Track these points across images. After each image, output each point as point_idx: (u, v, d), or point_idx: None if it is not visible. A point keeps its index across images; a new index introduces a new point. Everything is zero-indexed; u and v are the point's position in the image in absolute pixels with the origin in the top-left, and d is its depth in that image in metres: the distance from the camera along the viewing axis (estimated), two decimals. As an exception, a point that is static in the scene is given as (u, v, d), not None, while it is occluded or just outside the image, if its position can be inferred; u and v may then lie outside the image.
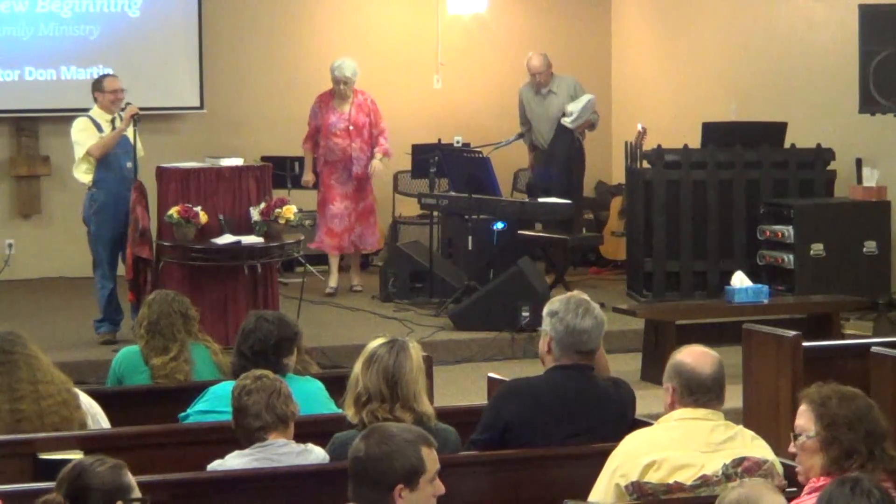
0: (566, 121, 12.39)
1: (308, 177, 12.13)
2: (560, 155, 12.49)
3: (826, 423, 4.46)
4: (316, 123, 11.96)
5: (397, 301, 11.62)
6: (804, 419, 4.53)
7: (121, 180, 10.06)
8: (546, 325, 5.43)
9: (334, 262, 12.20)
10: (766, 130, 12.09)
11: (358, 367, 5.16)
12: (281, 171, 12.08)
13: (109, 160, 10.08)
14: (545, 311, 5.46)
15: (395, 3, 14.37)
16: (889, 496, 3.80)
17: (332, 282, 12.13)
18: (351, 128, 11.83)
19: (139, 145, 10.28)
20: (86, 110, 10.38)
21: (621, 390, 5.53)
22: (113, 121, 10.20)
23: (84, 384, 7.20)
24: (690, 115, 12.87)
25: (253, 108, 13.81)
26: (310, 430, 5.34)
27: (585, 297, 5.50)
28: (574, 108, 12.40)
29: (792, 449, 4.57)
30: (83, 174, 10.20)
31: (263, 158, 11.80)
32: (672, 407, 4.95)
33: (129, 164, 10.06)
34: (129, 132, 10.05)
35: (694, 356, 4.97)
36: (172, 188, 9.84)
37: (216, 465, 5.14)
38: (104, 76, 10.65)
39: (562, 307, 5.41)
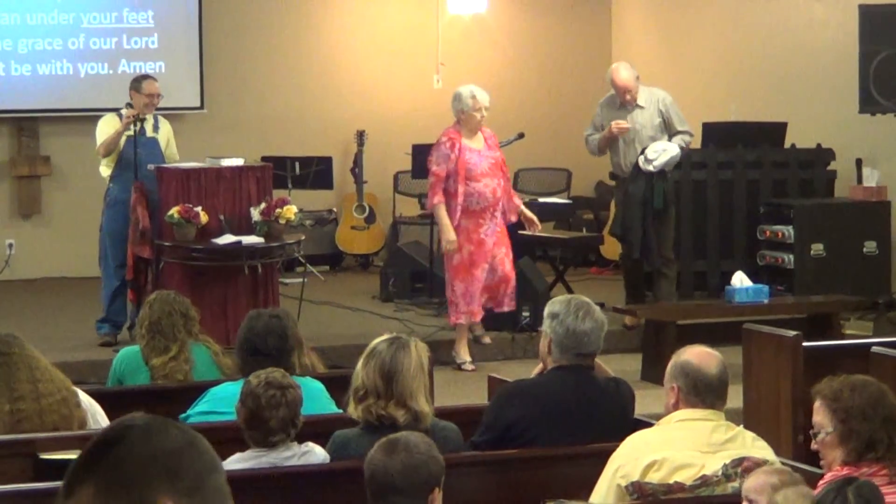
0: (643, 163, 10.50)
1: (453, 236, 9.73)
2: (637, 198, 10.52)
3: (841, 417, 4.50)
4: (447, 168, 9.77)
5: (397, 301, 11.62)
6: (820, 415, 4.57)
7: (140, 180, 10.00)
8: (546, 326, 5.43)
9: (465, 331, 10.03)
10: (766, 130, 12.10)
11: (360, 363, 5.17)
12: (281, 171, 12.07)
13: (127, 158, 10.01)
14: (546, 311, 5.46)
15: (395, 3, 14.38)
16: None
17: (467, 354, 9.99)
18: (496, 165, 9.85)
19: (173, 150, 10.28)
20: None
21: (621, 388, 5.55)
22: (143, 120, 10.12)
23: (84, 384, 7.19)
24: (690, 115, 12.83)
25: (253, 108, 13.81)
26: (310, 430, 5.33)
27: (587, 299, 5.50)
28: (657, 157, 10.45)
29: (814, 446, 4.60)
30: (103, 168, 10.20)
31: (263, 158, 11.78)
32: (675, 407, 4.94)
33: (151, 167, 9.99)
34: (149, 133, 10.04)
35: (699, 356, 4.97)
36: (172, 188, 9.84)
37: None
38: (145, 77, 10.51)
39: (562, 309, 5.40)
